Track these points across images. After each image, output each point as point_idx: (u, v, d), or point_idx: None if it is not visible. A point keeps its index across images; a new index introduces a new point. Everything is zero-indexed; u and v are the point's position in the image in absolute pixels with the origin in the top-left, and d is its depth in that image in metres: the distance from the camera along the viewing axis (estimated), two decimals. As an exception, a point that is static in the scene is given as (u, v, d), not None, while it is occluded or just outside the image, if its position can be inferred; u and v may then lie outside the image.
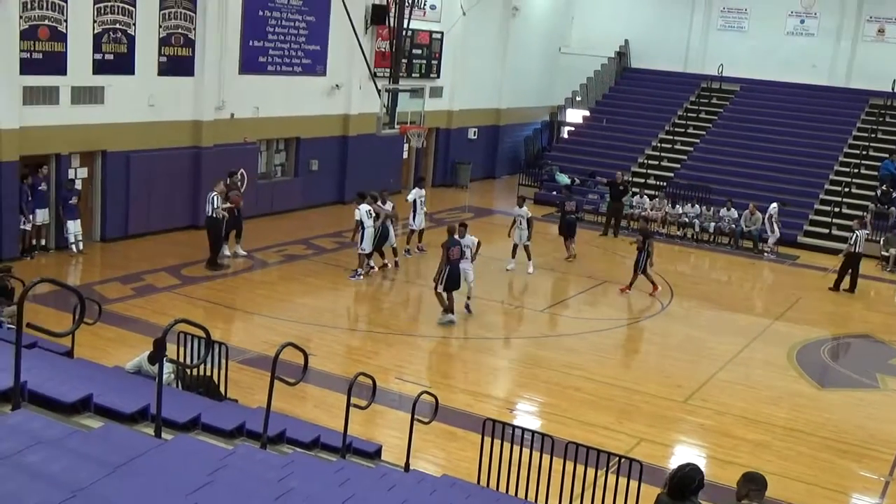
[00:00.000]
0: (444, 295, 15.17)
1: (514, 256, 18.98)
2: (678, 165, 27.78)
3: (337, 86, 23.65)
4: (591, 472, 8.59)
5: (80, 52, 17.23)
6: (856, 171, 25.92)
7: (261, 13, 21.19)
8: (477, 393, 12.57)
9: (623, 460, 8.59)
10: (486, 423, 8.88)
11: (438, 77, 27.76)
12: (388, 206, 18.25)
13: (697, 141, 28.75)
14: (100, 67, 17.70)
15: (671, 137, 29.08)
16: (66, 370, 7.73)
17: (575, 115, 32.57)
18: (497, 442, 8.75)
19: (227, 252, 18.15)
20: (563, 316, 16.78)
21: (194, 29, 19.54)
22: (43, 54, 16.59)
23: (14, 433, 4.47)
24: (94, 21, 17.43)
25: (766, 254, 22.97)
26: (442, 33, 27.44)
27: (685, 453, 11.15)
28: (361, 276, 17.48)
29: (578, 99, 32.67)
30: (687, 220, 24.50)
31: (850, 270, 19.56)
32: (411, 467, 8.88)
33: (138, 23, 18.28)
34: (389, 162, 25.85)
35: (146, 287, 15.98)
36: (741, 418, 12.31)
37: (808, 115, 28.46)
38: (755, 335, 16.10)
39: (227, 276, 17.16)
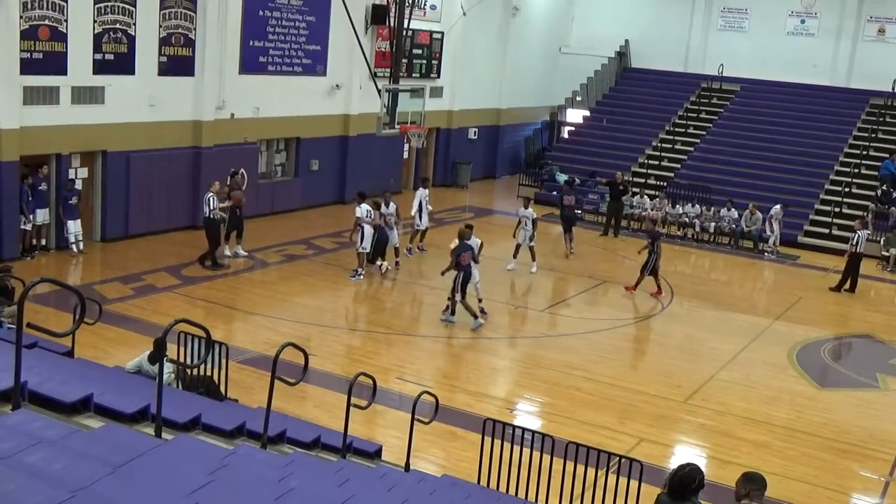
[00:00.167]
0: (465, 302, 15.11)
1: (515, 256, 18.98)
2: (678, 165, 27.78)
3: (337, 86, 23.65)
4: (591, 472, 8.58)
5: (80, 52, 17.23)
6: (856, 171, 25.91)
7: (261, 13, 21.19)
8: (477, 393, 12.57)
9: (623, 460, 8.58)
10: (487, 423, 8.88)
11: (438, 77, 27.76)
12: (392, 207, 18.24)
13: (698, 141, 28.75)
14: (100, 67, 17.70)
15: (671, 137, 29.08)
16: (67, 370, 7.73)
17: (575, 115, 32.57)
18: (497, 442, 8.75)
19: (227, 252, 18.16)
20: (564, 316, 16.78)
21: (194, 29, 19.55)
22: (43, 54, 16.59)
23: (14, 433, 4.46)
24: (95, 21, 17.44)
25: (766, 254, 22.97)
26: (442, 33, 27.44)
27: (685, 453, 11.14)
28: (362, 276, 17.47)
29: (579, 99, 32.67)
30: (687, 220, 24.50)
31: (852, 271, 19.57)
32: (411, 467, 8.88)
33: (138, 23, 18.28)
34: (390, 162, 25.85)
35: (146, 287, 15.98)
36: (741, 418, 12.30)
37: (808, 115, 28.46)
38: (755, 335, 16.10)
39: (227, 276, 17.16)
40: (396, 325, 15.41)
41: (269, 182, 22.63)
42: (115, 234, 18.70)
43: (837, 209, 24.39)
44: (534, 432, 9.02)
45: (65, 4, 16.76)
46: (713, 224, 24.06)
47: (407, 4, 21.48)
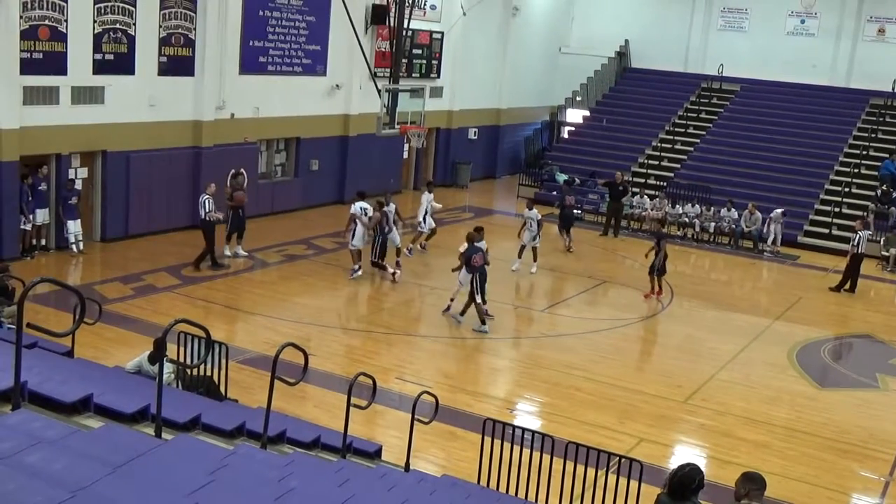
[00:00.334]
0: (480, 305, 15.07)
1: (520, 257, 19.03)
2: (678, 165, 27.78)
3: (337, 86, 23.65)
4: (591, 472, 8.59)
5: (80, 52, 17.23)
6: (856, 171, 25.92)
7: (261, 13, 21.19)
8: (477, 393, 12.57)
9: (623, 460, 8.58)
10: (487, 423, 8.88)
11: (438, 77, 27.76)
12: (392, 206, 18.24)
13: (697, 141, 28.75)
14: (100, 67, 17.70)
15: (671, 137, 29.08)
16: (67, 370, 7.73)
17: (575, 115, 32.58)
18: (497, 442, 8.75)
19: (227, 252, 18.16)
20: (564, 316, 16.77)
21: (194, 29, 19.55)
22: (43, 54, 16.59)
23: (14, 433, 4.46)
24: (95, 21, 17.43)
25: (765, 254, 22.98)
26: (442, 33, 27.44)
27: (685, 453, 11.14)
28: (360, 272, 17.44)
29: (578, 99, 32.67)
30: (687, 220, 24.50)
31: (852, 271, 19.57)
32: (411, 467, 8.88)
33: (138, 23, 18.28)
34: (390, 162, 25.85)
35: (146, 287, 15.98)
36: (741, 418, 12.30)
37: (808, 115, 28.46)
38: (755, 335, 16.10)
39: (227, 276, 17.15)
40: (396, 325, 15.41)
41: (269, 182, 22.63)
42: (115, 234, 18.70)
43: (837, 209, 24.39)
44: (534, 432, 9.02)
45: (65, 4, 16.76)
46: (713, 224, 24.06)
47: (407, 4, 21.48)
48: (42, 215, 17.19)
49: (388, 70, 22.81)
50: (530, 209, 19.06)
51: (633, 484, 7.96)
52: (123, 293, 15.50)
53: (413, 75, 25.91)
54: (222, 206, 17.66)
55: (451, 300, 15.66)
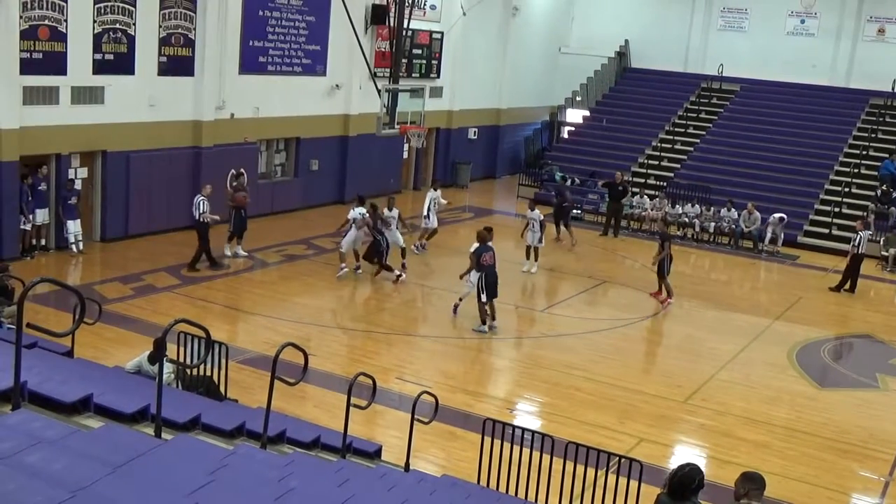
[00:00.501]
0: (483, 306, 15.03)
1: (528, 258, 19.09)
2: (678, 165, 27.78)
3: (337, 86, 23.65)
4: (591, 472, 8.59)
5: (80, 52, 17.23)
6: (856, 171, 25.92)
7: (261, 13, 21.19)
8: (477, 393, 12.57)
9: (623, 460, 8.58)
10: (486, 423, 8.88)
11: (438, 77, 27.75)
12: (395, 212, 18.23)
13: (697, 141, 28.75)
14: (100, 67, 17.70)
15: (671, 137, 29.07)
16: (66, 370, 7.73)
17: (575, 115, 32.57)
18: (497, 442, 8.75)
19: (227, 252, 18.16)
20: (564, 316, 16.77)
21: (194, 29, 19.55)
22: (43, 54, 16.59)
23: (14, 433, 4.46)
24: (94, 21, 17.43)
25: (765, 254, 22.98)
26: (442, 33, 27.44)
27: (685, 453, 11.15)
28: (345, 270, 17.42)
29: (578, 99, 32.67)
30: (687, 220, 24.50)
31: (852, 271, 19.57)
32: (411, 467, 8.88)
33: (138, 23, 18.28)
34: (389, 162, 25.85)
35: (146, 287, 15.98)
36: (741, 418, 12.30)
37: (808, 115, 28.46)
38: (755, 335, 16.10)
39: (227, 276, 17.16)
40: (396, 325, 15.41)
41: (268, 182, 22.63)
42: (114, 234, 18.70)
43: (837, 209, 24.39)
44: (534, 432, 9.02)
45: (65, 4, 16.76)
46: (713, 224, 24.06)
47: (407, 4, 21.48)
48: (42, 215, 17.19)
49: (387, 70, 22.81)
50: (533, 210, 19.10)
51: (633, 484, 7.96)
52: (123, 293, 15.50)
53: (413, 75, 25.91)
54: (220, 207, 17.65)
55: (460, 300, 15.65)
